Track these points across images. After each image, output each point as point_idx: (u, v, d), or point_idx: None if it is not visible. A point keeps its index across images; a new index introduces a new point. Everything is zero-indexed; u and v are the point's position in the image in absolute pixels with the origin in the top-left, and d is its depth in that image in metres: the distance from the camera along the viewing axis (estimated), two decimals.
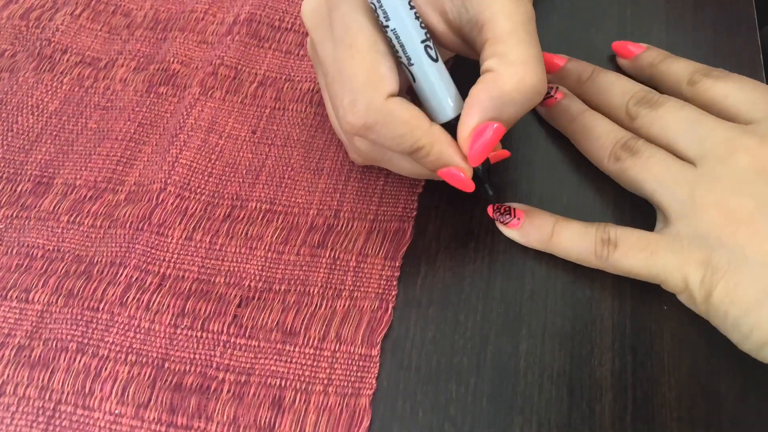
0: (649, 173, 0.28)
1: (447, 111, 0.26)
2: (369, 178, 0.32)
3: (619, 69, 0.35)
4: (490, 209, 0.30)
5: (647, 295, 0.29)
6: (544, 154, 0.33)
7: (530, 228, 0.29)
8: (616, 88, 0.31)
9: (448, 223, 0.31)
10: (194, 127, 0.34)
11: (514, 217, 0.30)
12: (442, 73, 0.26)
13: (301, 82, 0.36)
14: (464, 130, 0.26)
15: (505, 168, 0.32)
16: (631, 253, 0.27)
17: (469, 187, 0.27)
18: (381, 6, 0.25)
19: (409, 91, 0.28)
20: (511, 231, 0.30)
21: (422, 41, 0.25)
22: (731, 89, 0.29)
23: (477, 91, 0.25)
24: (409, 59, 0.25)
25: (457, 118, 0.26)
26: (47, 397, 0.27)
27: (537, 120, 0.34)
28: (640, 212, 0.30)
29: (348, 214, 0.31)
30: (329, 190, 0.32)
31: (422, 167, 0.27)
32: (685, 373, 0.27)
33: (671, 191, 0.27)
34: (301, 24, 0.38)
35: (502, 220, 0.30)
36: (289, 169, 0.33)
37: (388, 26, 0.25)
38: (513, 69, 0.25)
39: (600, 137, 0.30)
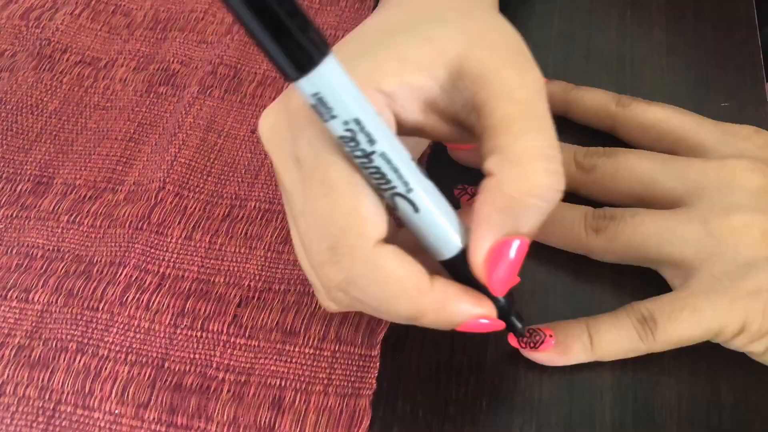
0: (645, 230, 0.25)
1: (453, 243, 0.21)
2: None
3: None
4: (513, 341, 0.26)
5: (647, 295, 0.28)
6: None
7: (567, 341, 0.26)
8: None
9: None
10: (193, 125, 0.34)
11: (545, 337, 0.26)
12: (436, 199, 0.21)
13: None
14: (477, 256, 0.20)
15: None
16: (674, 320, 0.24)
17: (499, 327, 0.22)
18: (363, 129, 0.19)
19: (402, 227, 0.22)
20: (545, 355, 0.26)
21: (412, 158, 0.20)
22: (668, 111, 0.28)
23: (481, 203, 0.20)
24: (407, 185, 0.20)
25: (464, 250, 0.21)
26: (47, 397, 0.27)
27: None
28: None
29: None
30: None
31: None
32: (685, 373, 0.27)
33: (681, 239, 0.25)
34: None
35: (532, 344, 0.26)
36: None
37: (374, 152, 0.19)
38: (518, 169, 0.19)
39: (565, 217, 0.27)
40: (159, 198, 0.31)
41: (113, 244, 0.30)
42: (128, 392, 0.27)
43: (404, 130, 0.22)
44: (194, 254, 0.30)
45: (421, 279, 0.20)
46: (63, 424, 0.26)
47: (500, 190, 0.20)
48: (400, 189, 0.20)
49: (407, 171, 0.20)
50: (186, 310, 0.29)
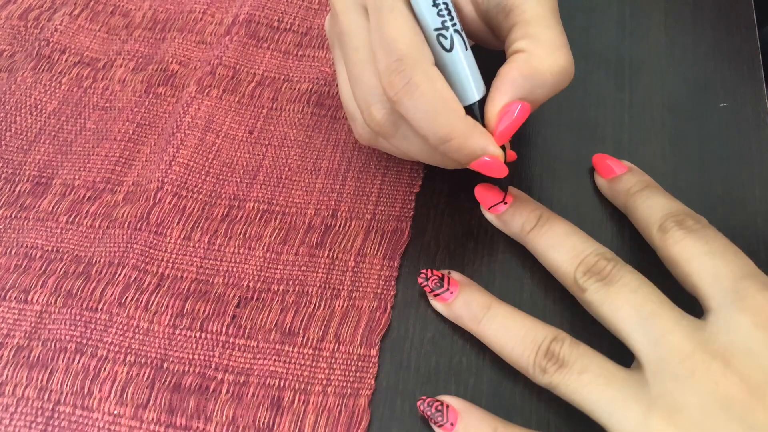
0: (586, 394, 0.23)
1: (471, 93, 0.26)
2: (366, 178, 0.32)
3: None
4: (419, 404, 0.26)
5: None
6: (543, 153, 0.33)
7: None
8: (565, 247, 0.27)
9: (446, 223, 0.31)
10: (191, 125, 0.34)
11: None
12: (467, 55, 0.26)
13: (299, 83, 0.36)
14: (494, 107, 0.25)
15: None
16: None
17: (505, 170, 0.26)
18: None
19: None
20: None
21: (453, 24, 0.25)
22: (698, 252, 0.25)
23: (508, 69, 0.25)
24: (460, 26, 0.25)
25: (479, 103, 0.26)
26: (46, 397, 0.27)
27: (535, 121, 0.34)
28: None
29: (346, 214, 0.31)
30: (327, 190, 0.32)
31: (432, 150, 0.26)
32: None
33: (620, 416, 0.23)
34: (300, 25, 0.38)
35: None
36: (287, 169, 0.33)
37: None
38: (546, 50, 0.24)
39: (523, 337, 0.26)
40: (157, 198, 0.31)
41: (112, 245, 0.30)
42: (127, 393, 0.27)
43: None
44: (193, 255, 0.30)
45: (459, 105, 0.24)
46: (62, 424, 0.26)
47: (528, 63, 0.24)
48: (459, 26, 0.25)
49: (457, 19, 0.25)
50: (185, 310, 0.29)
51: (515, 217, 0.29)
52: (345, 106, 0.29)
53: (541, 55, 0.24)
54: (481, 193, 0.30)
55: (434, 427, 0.26)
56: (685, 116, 0.34)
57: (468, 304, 0.27)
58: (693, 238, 0.25)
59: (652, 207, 0.28)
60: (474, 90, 0.26)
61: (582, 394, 0.23)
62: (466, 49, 0.25)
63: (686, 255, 0.25)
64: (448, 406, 0.25)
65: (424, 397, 0.26)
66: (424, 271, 0.28)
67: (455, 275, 0.29)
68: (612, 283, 0.25)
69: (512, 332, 0.26)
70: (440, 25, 0.25)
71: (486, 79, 0.26)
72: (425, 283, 0.28)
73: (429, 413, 0.26)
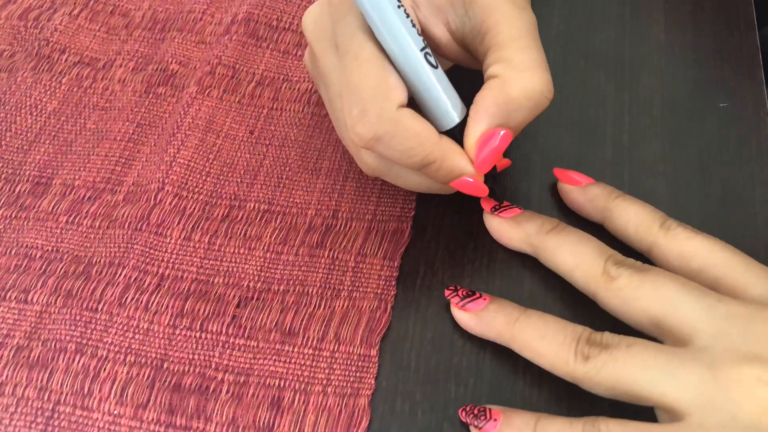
0: (640, 363, 0.23)
1: (451, 117, 0.26)
2: (367, 178, 0.32)
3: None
4: (461, 412, 0.26)
5: None
6: (544, 155, 0.33)
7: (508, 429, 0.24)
8: (592, 242, 0.27)
9: (447, 223, 0.31)
10: (192, 126, 0.34)
11: (490, 420, 0.25)
12: (443, 80, 0.26)
13: (299, 82, 0.36)
14: (471, 137, 0.25)
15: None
16: None
17: (484, 191, 0.26)
18: (369, 16, 0.24)
19: (411, 103, 0.27)
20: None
21: (421, 49, 0.25)
22: (715, 245, 0.26)
23: (482, 97, 0.25)
24: (410, 65, 0.25)
25: (460, 125, 0.26)
26: (46, 397, 0.27)
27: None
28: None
29: (346, 214, 0.31)
30: (327, 191, 0.32)
31: (431, 181, 0.26)
32: None
33: (680, 380, 0.22)
34: (299, 24, 0.38)
35: (476, 424, 0.25)
36: (287, 169, 0.33)
37: (381, 34, 0.24)
38: (519, 74, 0.24)
39: (557, 333, 0.25)
40: (158, 199, 0.31)
41: (112, 245, 0.30)
42: (127, 393, 0.27)
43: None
44: (193, 255, 0.30)
45: (432, 132, 0.25)
46: (62, 424, 0.26)
47: (502, 89, 0.24)
48: (404, 70, 0.25)
49: (410, 56, 0.25)
50: (185, 310, 0.29)
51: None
52: (346, 145, 0.29)
53: (514, 80, 0.24)
54: (497, 228, 0.30)
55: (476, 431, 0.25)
56: (685, 116, 0.34)
57: (502, 308, 0.27)
58: (701, 236, 0.26)
59: (643, 207, 0.28)
60: (454, 113, 0.26)
61: (634, 365, 0.22)
62: (439, 71, 0.25)
63: (703, 246, 0.26)
64: (489, 408, 0.25)
65: (464, 407, 0.26)
66: (451, 287, 0.28)
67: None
68: (647, 271, 0.25)
69: (550, 325, 0.25)
70: (423, 44, 0.25)
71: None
72: (454, 294, 0.28)
73: (471, 419, 0.25)
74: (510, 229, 0.29)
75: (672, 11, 0.38)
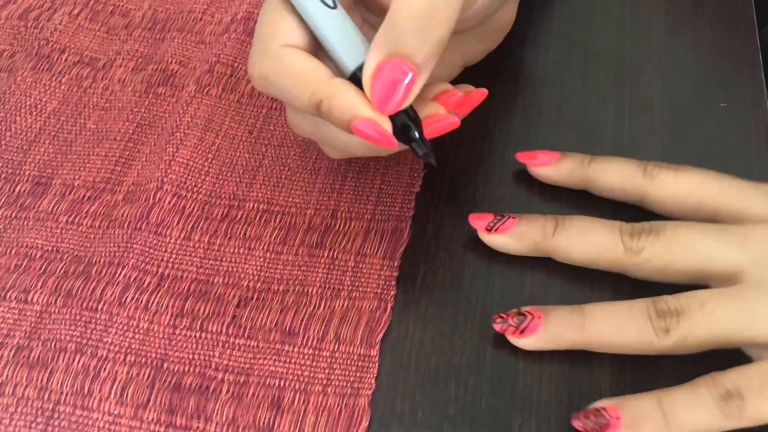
0: (721, 318, 0.23)
1: (350, 59, 0.24)
2: (366, 178, 0.32)
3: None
4: (576, 423, 0.25)
5: (646, 296, 0.28)
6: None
7: (637, 422, 0.23)
8: (597, 224, 0.27)
9: (447, 223, 0.31)
10: (191, 125, 0.34)
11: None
12: (341, 21, 0.25)
13: None
14: (366, 73, 0.23)
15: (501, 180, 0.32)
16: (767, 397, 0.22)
17: (389, 141, 0.23)
18: None
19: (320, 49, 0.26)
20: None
21: None
22: (703, 178, 0.27)
23: (377, 32, 0.23)
24: (301, 5, 0.25)
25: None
26: (46, 397, 0.27)
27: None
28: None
29: (345, 214, 0.31)
30: (326, 190, 0.32)
31: (363, 141, 0.24)
32: (686, 375, 0.27)
33: (763, 318, 0.23)
34: None
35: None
36: (286, 169, 0.33)
37: None
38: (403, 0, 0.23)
39: (628, 321, 0.25)
40: (157, 198, 0.31)
41: (112, 245, 0.30)
42: (127, 393, 0.27)
43: None
44: (193, 255, 0.30)
45: (319, 71, 0.24)
46: (62, 424, 0.26)
47: (388, 17, 0.23)
48: (302, 15, 0.24)
49: None
50: (185, 310, 0.29)
51: (532, 225, 0.28)
52: None
53: (398, 4, 0.23)
54: (476, 220, 0.29)
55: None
56: (685, 116, 0.34)
57: (562, 315, 0.26)
58: (684, 171, 0.27)
59: (619, 162, 0.29)
60: (354, 55, 0.25)
61: (716, 323, 0.23)
62: (338, 11, 0.25)
63: (692, 183, 0.26)
64: (603, 408, 0.24)
65: (576, 414, 0.25)
66: (500, 316, 0.27)
67: (527, 307, 0.27)
68: (663, 230, 0.25)
69: (617, 314, 0.25)
70: None
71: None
72: (505, 325, 0.26)
73: (590, 425, 0.24)
74: (516, 244, 0.29)
75: (672, 11, 0.38)
